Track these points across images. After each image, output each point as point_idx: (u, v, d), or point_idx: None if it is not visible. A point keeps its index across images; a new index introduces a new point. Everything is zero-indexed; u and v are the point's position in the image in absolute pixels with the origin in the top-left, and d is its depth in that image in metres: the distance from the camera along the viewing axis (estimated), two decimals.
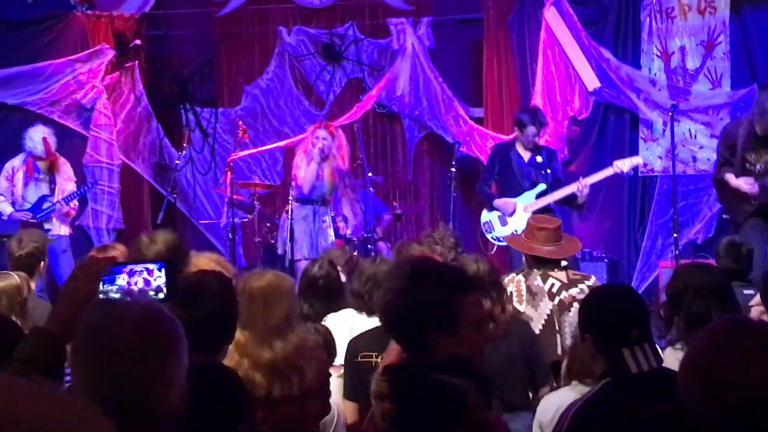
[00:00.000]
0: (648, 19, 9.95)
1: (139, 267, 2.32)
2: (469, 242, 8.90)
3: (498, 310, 4.76)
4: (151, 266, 2.31)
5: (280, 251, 9.06)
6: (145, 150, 10.89)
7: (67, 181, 9.24)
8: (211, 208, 11.02)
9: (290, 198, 8.82)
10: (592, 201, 10.04)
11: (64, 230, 9.12)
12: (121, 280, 2.30)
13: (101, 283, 2.27)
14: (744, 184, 7.72)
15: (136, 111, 10.81)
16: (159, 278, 2.30)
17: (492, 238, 8.66)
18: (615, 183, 9.72)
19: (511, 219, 8.58)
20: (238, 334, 3.66)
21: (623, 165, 8.55)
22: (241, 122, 10.13)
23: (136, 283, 2.29)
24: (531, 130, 8.54)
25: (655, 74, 9.93)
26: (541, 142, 9.08)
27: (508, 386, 4.68)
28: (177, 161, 9.97)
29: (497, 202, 8.67)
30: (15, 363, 2.21)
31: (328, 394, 4.10)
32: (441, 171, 11.10)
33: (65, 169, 9.29)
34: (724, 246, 5.98)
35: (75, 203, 9.34)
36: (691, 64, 9.82)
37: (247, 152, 10.41)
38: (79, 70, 10.46)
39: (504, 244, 8.40)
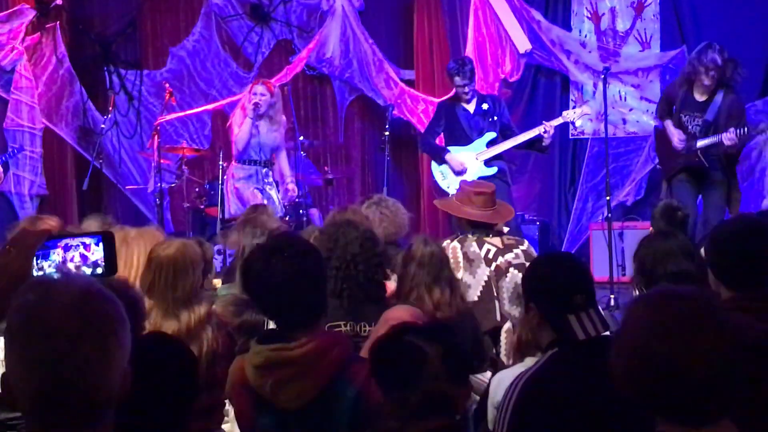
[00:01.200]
0: None
1: (75, 241, 2.19)
2: (409, 208, 8.86)
3: (445, 300, 4.66)
4: (87, 240, 2.19)
5: (227, 214, 8.81)
6: (68, 113, 10.59)
7: None
8: (137, 173, 10.78)
9: (234, 161, 8.61)
10: (523, 163, 10.06)
11: None
12: (56, 255, 2.17)
13: (35, 258, 2.15)
14: (676, 137, 7.85)
15: (58, 73, 10.49)
16: (96, 252, 2.18)
17: (447, 186, 8.53)
18: None
19: (464, 168, 8.48)
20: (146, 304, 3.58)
21: (572, 114, 8.55)
22: (167, 85, 9.87)
23: (72, 258, 2.17)
24: (457, 80, 8.45)
25: (586, 36, 9.94)
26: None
27: None
28: (102, 125, 9.70)
29: (449, 156, 8.49)
30: None
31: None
32: (372, 134, 11.00)
33: None
34: (661, 209, 5.99)
35: (0, 169, 9.05)
36: (621, 25, 9.84)
37: (174, 115, 10.20)
38: None
39: None
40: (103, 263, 2.18)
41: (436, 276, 4.63)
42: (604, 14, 9.89)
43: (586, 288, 3.21)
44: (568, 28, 9.97)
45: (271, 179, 8.72)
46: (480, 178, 8.16)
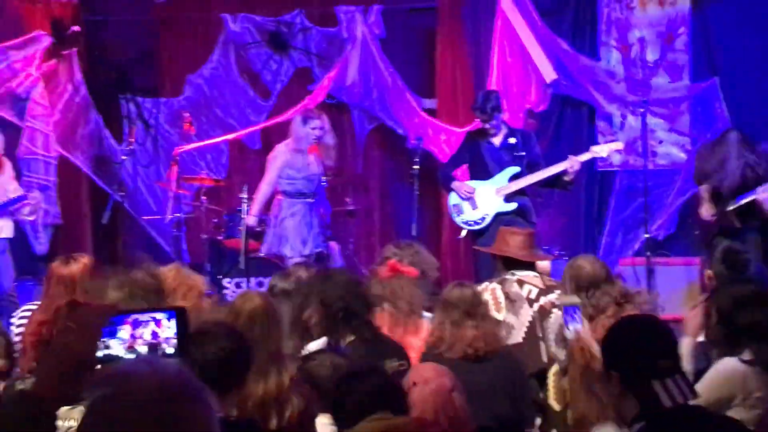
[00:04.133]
0: (606, 9, 9.76)
1: (144, 316, 1.96)
2: (431, 243, 8.71)
3: (478, 340, 4.55)
4: (159, 315, 1.96)
5: (264, 251, 8.64)
6: (83, 142, 10.38)
7: (10, 181, 8.72)
8: (153, 203, 10.57)
9: (280, 195, 8.45)
10: (547, 196, 9.82)
11: (8, 231, 8.59)
12: (124, 332, 1.94)
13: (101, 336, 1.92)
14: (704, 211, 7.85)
15: (74, 101, 10.29)
16: (168, 329, 1.95)
17: (462, 222, 8.32)
18: None
19: (482, 202, 8.21)
20: None
21: (601, 150, 8.36)
22: (187, 114, 9.69)
23: (141, 335, 1.94)
24: (480, 115, 8.27)
25: (614, 66, 9.75)
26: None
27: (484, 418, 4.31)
28: (123, 157, 9.49)
29: (455, 184, 8.34)
30: None
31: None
32: (392, 164, 10.82)
33: (7, 168, 8.78)
34: (722, 253, 5.78)
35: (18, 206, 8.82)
36: (651, 56, 9.66)
37: (194, 145, 9.99)
38: (13, 58, 9.91)
39: (475, 227, 8.13)
40: (176, 341, 1.94)
41: (470, 314, 4.54)
42: (633, 44, 9.70)
43: (671, 352, 3.00)
44: (596, 58, 9.78)
45: (313, 212, 8.62)
46: (498, 213, 8.06)
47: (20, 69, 9.96)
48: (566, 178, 8.15)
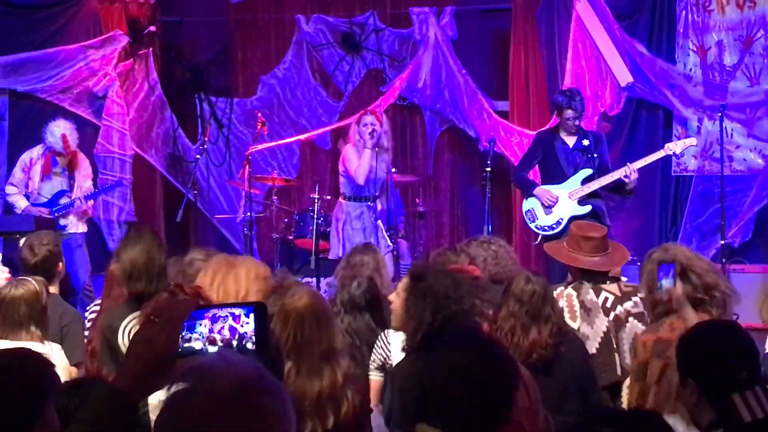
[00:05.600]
0: (684, 12, 9.59)
1: (223, 312, 1.96)
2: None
3: (542, 341, 4.41)
4: (237, 311, 1.96)
5: (332, 255, 8.66)
6: (158, 140, 10.53)
7: (85, 178, 8.89)
8: (225, 202, 10.67)
9: (341, 197, 8.42)
10: (621, 200, 9.68)
11: (80, 227, 8.78)
12: (203, 327, 1.94)
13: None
14: None
15: (149, 100, 10.45)
16: (246, 325, 1.95)
17: (536, 227, 8.18)
18: (646, 181, 9.30)
19: (555, 207, 8.10)
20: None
21: (675, 146, 8.17)
22: (260, 114, 9.74)
23: (220, 330, 1.94)
24: (569, 113, 8.07)
25: (691, 70, 9.58)
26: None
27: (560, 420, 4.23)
28: (197, 156, 9.59)
29: (538, 190, 8.14)
30: (80, 425, 1.86)
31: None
32: (462, 166, 10.80)
33: (84, 165, 8.95)
34: None
35: (92, 202, 8.97)
36: (729, 59, 9.46)
37: (266, 145, 10.06)
38: (91, 57, 10.09)
39: (550, 233, 8.01)
40: (254, 337, 1.94)
41: (535, 315, 4.40)
42: (710, 48, 9.52)
43: (752, 362, 2.91)
44: (673, 62, 9.61)
45: (375, 214, 8.56)
46: (572, 217, 7.85)
47: (98, 68, 10.13)
48: (627, 187, 7.98)
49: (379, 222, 8.56)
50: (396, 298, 4.06)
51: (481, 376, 2.64)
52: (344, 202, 8.50)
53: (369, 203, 8.51)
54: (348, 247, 8.10)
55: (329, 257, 8.64)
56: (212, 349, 1.90)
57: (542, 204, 8.08)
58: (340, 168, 8.66)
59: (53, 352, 4.58)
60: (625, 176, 7.86)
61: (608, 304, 5.15)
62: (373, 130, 8.29)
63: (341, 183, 8.66)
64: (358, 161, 8.37)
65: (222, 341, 1.94)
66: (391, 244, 8.44)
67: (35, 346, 4.36)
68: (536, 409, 3.42)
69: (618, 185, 8.00)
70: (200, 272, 3.71)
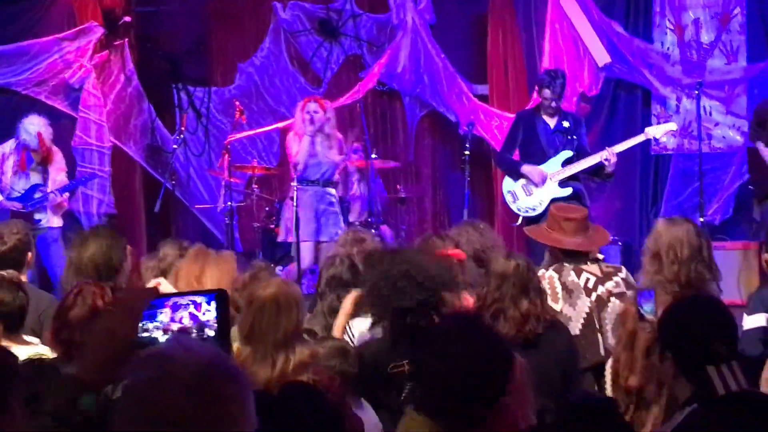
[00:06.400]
0: None
1: (184, 300, 1.93)
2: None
3: (535, 311, 4.41)
4: (198, 299, 1.94)
5: (280, 238, 8.68)
6: (136, 132, 10.46)
7: (58, 171, 8.79)
8: (205, 192, 10.62)
9: (293, 182, 8.37)
10: (601, 181, 9.67)
11: (56, 221, 8.68)
12: (164, 315, 1.92)
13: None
14: None
15: (126, 91, 10.37)
16: (208, 312, 1.93)
17: (517, 208, 8.16)
18: (626, 161, 9.26)
19: (536, 188, 8.07)
20: (240, 349, 3.29)
21: (655, 131, 8.16)
22: (238, 103, 9.68)
23: (180, 319, 1.91)
24: (546, 92, 8.02)
25: (668, 48, 9.58)
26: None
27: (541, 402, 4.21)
28: (175, 146, 9.50)
29: (526, 168, 8.07)
30: (41, 418, 1.84)
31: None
32: (443, 151, 10.77)
33: (57, 158, 8.85)
34: None
35: (67, 194, 8.91)
36: (706, 37, 9.46)
37: (245, 134, 10.02)
38: (66, 49, 10.01)
39: (532, 214, 7.98)
40: (216, 325, 1.92)
41: (524, 287, 4.39)
42: (687, 26, 9.51)
43: (730, 337, 2.90)
44: (650, 41, 9.61)
45: (333, 199, 8.48)
46: (553, 199, 7.84)
47: (73, 60, 10.05)
48: (605, 171, 7.96)
49: (337, 207, 8.50)
50: None
51: (478, 362, 2.63)
52: (294, 187, 8.47)
53: (318, 188, 8.43)
54: (295, 233, 8.12)
55: (278, 240, 8.60)
56: (164, 337, 1.89)
57: (532, 182, 8.03)
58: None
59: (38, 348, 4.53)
60: (606, 159, 7.83)
61: (590, 285, 5.15)
62: (313, 117, 8.26)
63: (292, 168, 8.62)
64: (298, 147, 8.33)
65: (180, 330, 1.92)
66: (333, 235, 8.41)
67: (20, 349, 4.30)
68: (524, 391, 3.41)
69: (597, 169, 7.99)
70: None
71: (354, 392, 3.84)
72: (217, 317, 1.92)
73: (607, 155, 7.82)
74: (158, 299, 1.93)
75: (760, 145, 7.62)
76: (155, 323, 1.92)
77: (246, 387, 1.62)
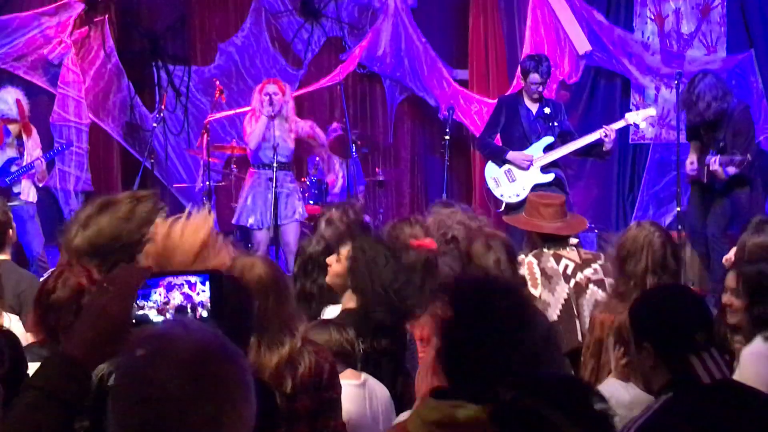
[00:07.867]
0: None
1: (178, 279, 1.94)
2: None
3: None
4: (192, 278, 1.94)
5: (234, 220, 8.63)
6: (115, 109, 10.37)
7: (35, 146, 8.68)
8: (184, 171, 10.57)
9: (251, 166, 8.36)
10: (580, 169, 9.74)
11: (32, 195, 8.58)
12: (158, 295, 1.92)
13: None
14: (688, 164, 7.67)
15: (105, 68, 10.28)
16: (202, 293, 1.93)
17: (500, 194, 8.18)
18: None
19: (519, 174, 8.04)
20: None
21: (636, 116, 8.21)
22: (218, 82, 9.64)
23: (174, 299, 1.92)
24: (533, 77, 8.01)
25: (649, 38, 9.66)
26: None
27: None
28: (154, 124, 9.43)
29: (511, 154, 8.05)
30: (31, 392, 1.84)
31: (325, 386, 3.46)
32: (422, 135, 10.79)
33: (34, 133, 8.76)
34: (755, 225, 5.58)
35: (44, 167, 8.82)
36: (686, 28, 9.55)
37: (224, 114, 9.97)
38: (46, 24, 9.88)
39: (515, 200, 7.99)
40: (210, 305, 1.93)
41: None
42: (668, 16, 9.58)
43: (707, 324, 2.94)
44: (631, 30, 9.67)
45: (290, 184, 8.45)
46: (535, 185, 7.89)
47: (53, 36, 9.94)
48: (604, 148, 8.00)
49: (293, 193, 8.44)
50: (337, 264, 4.13)
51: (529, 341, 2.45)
52: (251, 170, 8.43)
53: (269, 170, 8.27)
54: (246, 215, 8.10)
55: (232, 222, 8.59)
56: (165, 317, 1.89)
57: (519, 167, 8.04)
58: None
59: (12, 324, 4.51)
60: (605, 135, 7.88)
61: (569, 271, 5.20)
62: (272, 98, 8.18)
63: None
64: (253, 126, 8.29)
65: (175, 309, 1.92)
66: (304, 214, 8.38)
67: None
68: None
69: (594, 147, 8.02)
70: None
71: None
72: (210, 297, 1.92)
73: (607, 131, 7.88)
74: (153, 279, 1.93)
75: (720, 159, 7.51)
76: (149, 303, 1.92)
77: (246, 370, 1.62)
